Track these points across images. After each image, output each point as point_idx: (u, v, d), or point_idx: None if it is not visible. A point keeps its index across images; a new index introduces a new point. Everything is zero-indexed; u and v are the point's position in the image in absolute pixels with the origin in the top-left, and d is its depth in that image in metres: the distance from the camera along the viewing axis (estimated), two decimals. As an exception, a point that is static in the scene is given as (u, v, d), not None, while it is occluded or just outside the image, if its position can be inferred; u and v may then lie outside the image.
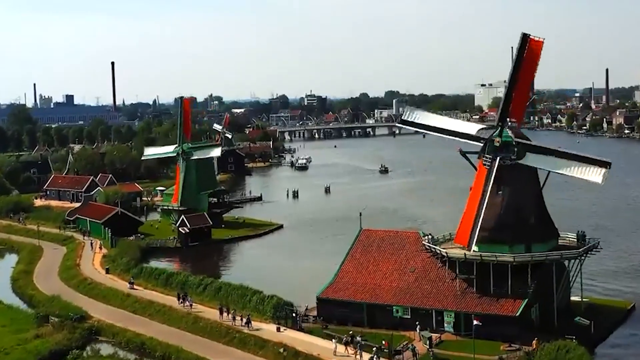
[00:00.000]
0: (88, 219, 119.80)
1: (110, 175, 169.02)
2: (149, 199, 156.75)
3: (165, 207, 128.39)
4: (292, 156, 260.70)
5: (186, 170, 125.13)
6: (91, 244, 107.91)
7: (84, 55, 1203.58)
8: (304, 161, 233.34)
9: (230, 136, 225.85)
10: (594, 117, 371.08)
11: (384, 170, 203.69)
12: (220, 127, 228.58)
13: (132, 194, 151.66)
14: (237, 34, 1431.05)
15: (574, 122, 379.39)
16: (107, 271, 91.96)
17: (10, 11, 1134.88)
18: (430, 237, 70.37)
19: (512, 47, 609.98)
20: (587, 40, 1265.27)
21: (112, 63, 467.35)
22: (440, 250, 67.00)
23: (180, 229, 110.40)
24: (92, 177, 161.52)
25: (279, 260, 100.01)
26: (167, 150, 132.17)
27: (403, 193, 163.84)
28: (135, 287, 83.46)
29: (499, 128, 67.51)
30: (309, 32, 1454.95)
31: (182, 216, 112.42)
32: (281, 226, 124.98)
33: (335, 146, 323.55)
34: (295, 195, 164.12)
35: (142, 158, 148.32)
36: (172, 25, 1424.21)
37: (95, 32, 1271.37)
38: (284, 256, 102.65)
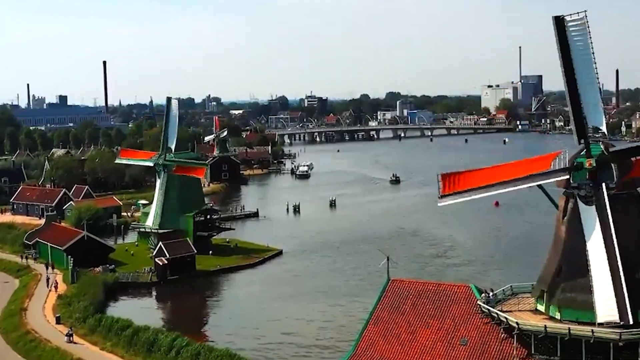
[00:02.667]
0: (49, 244, 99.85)
1: (87, 186, 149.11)
2: (129, 214, 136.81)
3: (142, 230, 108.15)
4: (293, 162, 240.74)
5: (167, 185, 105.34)
6: (47, 278, 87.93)
7: (83, 56, 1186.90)
8: (306, 168, 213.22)
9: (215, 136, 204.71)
10: (611, 120, 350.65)
11: (395, 181, 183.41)
12: (213, 135, 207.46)
13: (109, 209, 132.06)
14: (236, 35, 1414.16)
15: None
16: (58, 320, 72.11)
17: (7, 11, 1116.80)
18: (487, 295, 50.42)
19: (519, 47, 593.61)
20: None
21: (104, 62, 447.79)
22: (506, 318, 47.15)
23: (156, 259, 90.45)
24: (64, 189, 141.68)
25: (278, 303, 79.81)
26: (145, 160, 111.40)
27: (419, 208, 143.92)
28: (75, 340, 64.38)
29: (585, 145, 48.05)
30: (308, 33, 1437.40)
31: (160, 243, 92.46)
32: (280, 252, 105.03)
33: (338, 150, 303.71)
34: (297, 210, 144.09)
35: (116, 161, 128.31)
36: (172, 26, 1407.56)
37: (94, 33, 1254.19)
38: (284, 297, 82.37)
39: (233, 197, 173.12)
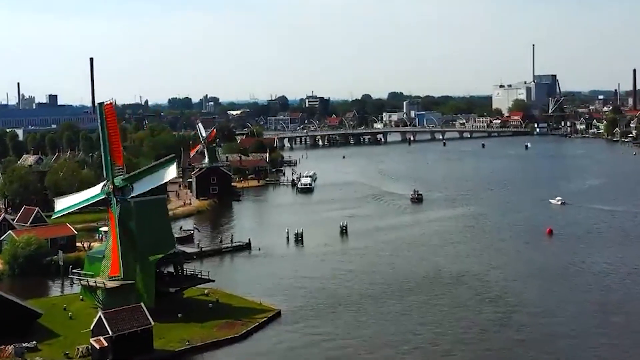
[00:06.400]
0: (-51, 305, 69.95)
1: (37, 208, 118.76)
2: (87, 245, 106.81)
3: (86, 283, 77.47)
4: (293, 171, 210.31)
5: (119, 222, 75.02)
6: None
7: (80, 55, 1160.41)
8: (309, 180, 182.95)
9: (207, 146, 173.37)
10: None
11: (417, 199, 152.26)
12: (205, 135, 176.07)
13: (58, 239, 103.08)
14: (236, 34, 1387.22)
15: (616, 129, 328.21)
16: None
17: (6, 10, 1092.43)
18: None
19: (532, 45, 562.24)
20: (595, 41, 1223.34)
21: (91, 59, 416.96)
22: None
23: (93, 340, 60.66)
24: (3, 214, 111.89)
25: None
26: (91, 195, 78.46)
27: (454, 237, 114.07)
28: None
29: None
30: (308, 33, 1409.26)
31: (99, 314, 62.54)
32: (278, 313, 75.17)
33: (343, 157, 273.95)
34: (299, 239, 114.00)
35: (53, 217, 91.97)
36: (171, 25, 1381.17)
37: (91, 31, 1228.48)
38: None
39: (222, 217, 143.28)
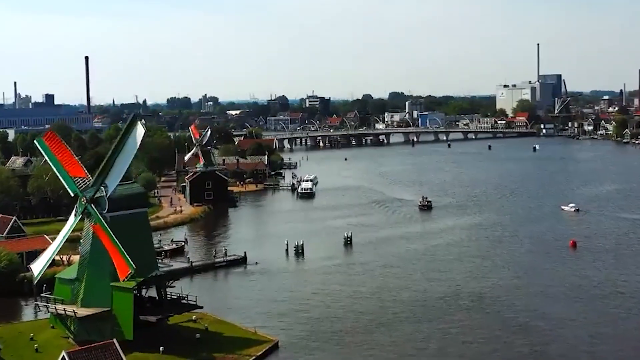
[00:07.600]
0: None
1: (14, 217, 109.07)
2: (66, 259, 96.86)
3: (54, 311, 67.47)
4: (294, 175, 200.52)
5: (93, 238, 65.43)
6: None
7: (82, 55, 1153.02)
8: (309, 184, 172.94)
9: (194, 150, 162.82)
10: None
11: (426, 207, 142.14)
12: (194, 149, 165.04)
13: (34, 253, 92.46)
14: (237, 35, 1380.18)
15: (626, 130, 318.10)
16: None
17: (8, 10, 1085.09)
18: None
19: (537, 45, 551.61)
20: (596, 42, 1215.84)
21: (86, 58, 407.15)
22: None
23: (52, 386, 50.93)
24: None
25: None
26: (67, 229, 67.92)
27: (468, 250, 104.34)
28: None
29: None
30: (309, 33, 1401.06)
31: (63, 354, 52.65)
32: (275, 345, 65.37)
33: (345, 159, 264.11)
34: (299, 251, 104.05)
35: (35, 282, 75.64)
36: (171, 25, 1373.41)
37: (94, 32, 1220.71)
38: None
39: (217, 226, 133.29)
